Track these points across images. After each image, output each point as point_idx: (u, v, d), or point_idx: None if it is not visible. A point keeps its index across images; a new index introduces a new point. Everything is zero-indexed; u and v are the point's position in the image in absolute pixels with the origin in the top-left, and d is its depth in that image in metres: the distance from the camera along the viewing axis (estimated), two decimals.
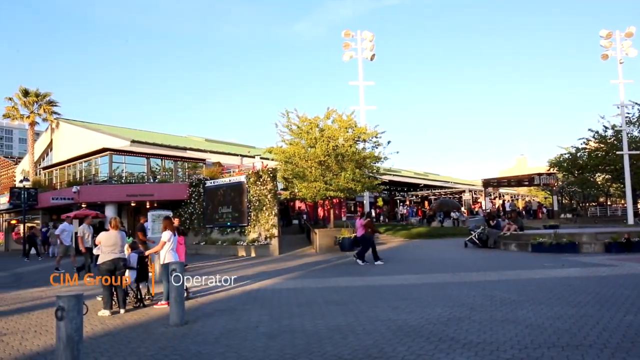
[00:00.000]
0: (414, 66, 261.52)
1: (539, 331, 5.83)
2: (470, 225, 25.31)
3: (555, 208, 38.32)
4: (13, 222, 34.57)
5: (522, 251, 17.50)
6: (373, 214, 34.80)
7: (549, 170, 37.47)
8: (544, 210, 41.79)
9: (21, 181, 27.80)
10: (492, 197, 48.13)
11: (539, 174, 38.67)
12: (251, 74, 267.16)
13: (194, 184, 24.94)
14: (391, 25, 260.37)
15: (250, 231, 21.63)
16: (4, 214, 36.02)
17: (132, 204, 27.26)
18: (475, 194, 49.41)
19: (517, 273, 11.46)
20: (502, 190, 51.58)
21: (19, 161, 42.39)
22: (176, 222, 14.90)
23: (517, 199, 54.94)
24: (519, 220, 21.19)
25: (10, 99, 35.92)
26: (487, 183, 41.42)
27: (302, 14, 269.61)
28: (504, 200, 48.73)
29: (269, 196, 21.16)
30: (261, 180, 21.46)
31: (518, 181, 42.56)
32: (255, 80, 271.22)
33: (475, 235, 20.16)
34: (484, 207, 40.86)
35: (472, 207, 44.76)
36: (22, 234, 27.90)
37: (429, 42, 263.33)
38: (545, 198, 51.35)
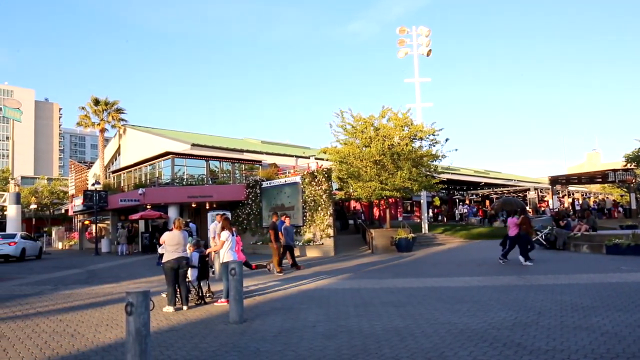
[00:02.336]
0: (473, 62, 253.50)
1: (616, 340, 5.38)
2: (537, 225, 24.02)
3: (634, 206, 35.45)
4: (86, 222, 37.10)
5: (595, 253, 16.35)
6: (430, 212, 33.92)
7: (625, 165, 34.80)
8: (620, 209, 38.86)
9: (93, 184, 29.77)
10: (561, 195, 45.44)
11: (614, 170, 35.93)
12: (306, 75, 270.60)
13: (250, 185, 25.53)
14: (447, 21, 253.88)
15: (305, 231, 21.81)
16: (78, 215, 38.75)
17: (193, 205, 28.36)
18: (541, 192, 46.87)
19: (590, 276, 10.70)
20: (571, 188, 48.58)
21: (91, 166, 45.43)
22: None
23: (589, 197, 51.50)
24: (591, 219, 19.83)
25: (83, 108, 38.61)
26: (554, 180, 39.09)
27: (356, 13, 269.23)
28: (573, 199, 45.88)
29: (324, 196, 21.23)
30: (316, 180, 21.57)
31: (590, 178, 39.76)
32: (310, 81, 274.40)
33: (542, 236, 19.11)
34: (551, 206, 38.66)
35: (539, 206, 42.49)
36: (94, 234, 29.87)
37: (488, 36, 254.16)
38: (622, 196, 47.75)
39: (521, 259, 13.76)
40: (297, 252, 20.98)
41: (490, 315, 6.89)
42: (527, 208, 38.42)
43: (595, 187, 56.65)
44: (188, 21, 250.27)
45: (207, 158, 29.62)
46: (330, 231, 20.80)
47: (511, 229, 14.25)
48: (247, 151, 33.21)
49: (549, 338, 5.55)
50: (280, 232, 14.51)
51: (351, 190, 22.27)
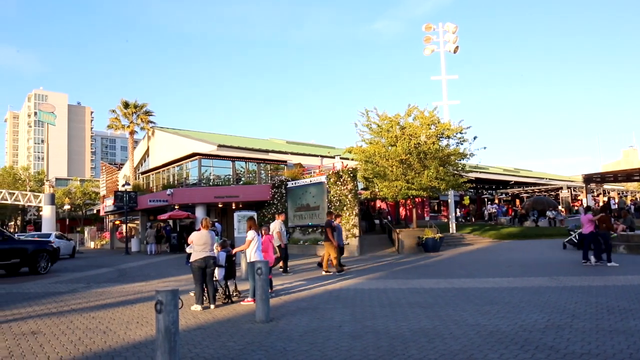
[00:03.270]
0: (501, 58, 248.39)
1: None
2: (570, 224, 23.29)
3: None
4: (117, 222, 38.05)
5: (633, 254, 15.75)
6: (456, 211, 33.29)
7: None
8: None
9: (123, 185, 30.50)
10: (595, 194, 43.94)
11: None
12: (331, 74, 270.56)
13: (276, 185, 25.66)
14: (473, 17, 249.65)
15: None
16: (109, 215, 39.79)
17: (220, 205, 28.71)
18: (574, 190, 45.47)
19: (628, 278, 10.30)
20: (606, 186, 46.92)
21: (121, 167, 46.57)
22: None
23: (626, 196, 49.60)
24: (628, 219, 19.08)
25: (113, 111, 39.65)
26: (588, 179, 37.74)
27: (381, 12, 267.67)
28: (609, 198, 44.30)
29: (349, 196, 21.15)
30: (341, 180, 21.51)
31: (627, 175, 38.22)
32: (335, 80, 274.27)
33: (575, 236, 18.52)
34: (585, 205, 37.34)
35: (572, 205, 41.22)
36: (124, 234, 30.61)
37: (516, 33, 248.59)
38: None
39: (592, 258, 13.10)
40: (323, 252, 20.97)
41: (522, 317, 6.71)
42: (560, 207, 37.36)
43: (632, 185, 54.60)
44: (212, 22, 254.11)
45: (233, 159, 29.95)
46: (356, 231, 20.70)
47: (585, 227, 13.44)
48: (273, 151, 33.40)
49: (584, 341, 5.36)
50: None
51: (377, 190, 22.10)
